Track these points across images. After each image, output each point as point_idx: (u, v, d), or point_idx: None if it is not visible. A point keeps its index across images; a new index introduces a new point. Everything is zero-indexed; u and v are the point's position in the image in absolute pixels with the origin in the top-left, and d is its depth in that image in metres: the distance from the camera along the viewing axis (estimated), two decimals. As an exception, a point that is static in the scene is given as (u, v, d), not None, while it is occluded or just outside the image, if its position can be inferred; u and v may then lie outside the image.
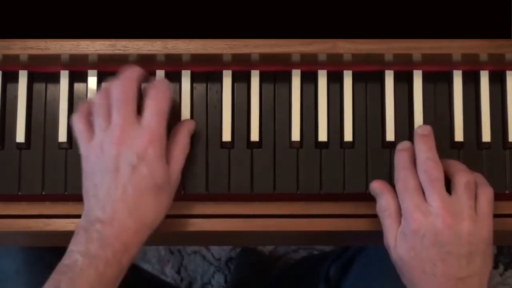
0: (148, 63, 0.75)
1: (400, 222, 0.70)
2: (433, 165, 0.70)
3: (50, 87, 0.76)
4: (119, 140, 0.68)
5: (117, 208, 0.67)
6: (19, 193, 0.75)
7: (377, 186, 0.73)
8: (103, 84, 0.72)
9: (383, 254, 0.86)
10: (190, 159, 0.74)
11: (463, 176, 0.70)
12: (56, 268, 0.67)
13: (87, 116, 0.71)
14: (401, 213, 0.70)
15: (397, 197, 0.71)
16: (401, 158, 0.72)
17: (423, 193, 0.69)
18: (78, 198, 0.75)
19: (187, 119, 0.75)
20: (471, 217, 0.68)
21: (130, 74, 0.71)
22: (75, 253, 0.67)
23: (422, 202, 0.69)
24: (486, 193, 0.71)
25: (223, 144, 0.75)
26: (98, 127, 0.69)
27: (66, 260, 0.67)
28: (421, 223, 0.68)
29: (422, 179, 0.70)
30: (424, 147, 0.71)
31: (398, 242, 0.70)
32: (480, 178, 0.72)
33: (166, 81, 0.73)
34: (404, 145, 0.73)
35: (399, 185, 0.71)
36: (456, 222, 0.68)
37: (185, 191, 0.75)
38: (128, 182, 0.68)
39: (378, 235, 0.77)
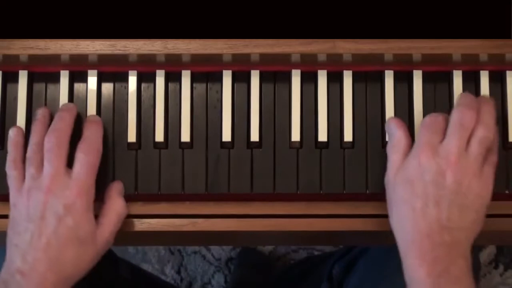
0: (148, 63, 0.75)
1: (404, 160, 0.70)
2: (471, 114, 0.69)
3: (50, 87, 0.76)
4: (47, 189, 0.69)
5: (38, 258, 0.68)
6: (19, 193, 0.75)
7: (394, 123, 0.73)
8: (34, 136, 0.71)
9: (388, 256, 0.86)
10: (190, 159, 0.75)
11: (482, 131, 0.69)
12: None
13: (20, 163, 0.71)
14: (408, 152, 0.70)
15: (409, 136, 0.72)
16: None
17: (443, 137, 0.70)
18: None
19: (114, 181, 0.74)
20: (476, 173, 0.69)
21: (62, 125, 0.71)
22: None
23: (437, 143, 0.69)
24: (494, 160, 0.71)
25: (223, 144, 0.75)
26: (29, 176, 0.70)
27: None
28: (428, 159, 0.68)
29: (453, 119, 0.69)
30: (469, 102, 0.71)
31: (398, 174, 0.70)
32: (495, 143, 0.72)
33: (98, 129, 0.73)
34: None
35: (426, 120, 0.71)
36: (461, 172, 0.68)
37: (185, 191, 0.75)
38: (52, 233, 0.68)
39: (378, 235, 0.77)
